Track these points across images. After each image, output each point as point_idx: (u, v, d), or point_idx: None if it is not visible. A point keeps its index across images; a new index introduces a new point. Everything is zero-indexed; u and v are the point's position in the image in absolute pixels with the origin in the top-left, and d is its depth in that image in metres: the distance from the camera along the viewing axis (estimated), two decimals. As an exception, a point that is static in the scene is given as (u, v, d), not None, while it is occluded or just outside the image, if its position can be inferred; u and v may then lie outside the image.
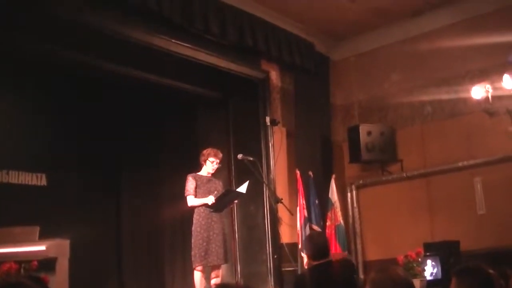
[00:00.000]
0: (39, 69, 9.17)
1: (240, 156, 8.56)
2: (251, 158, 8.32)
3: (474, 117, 10.32)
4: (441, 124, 10.80)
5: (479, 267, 3.99)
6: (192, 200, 7.90)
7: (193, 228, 7.86)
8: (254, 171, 8.03)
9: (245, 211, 10.20)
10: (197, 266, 7.79)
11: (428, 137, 10.93)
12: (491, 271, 4.89)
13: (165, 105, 10.88)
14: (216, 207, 7.85)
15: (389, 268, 3.66)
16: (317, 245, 6.39)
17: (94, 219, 10.68)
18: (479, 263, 4.14)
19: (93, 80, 9.79)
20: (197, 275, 7.82)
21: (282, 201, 8.22)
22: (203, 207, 7.85)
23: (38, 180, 10.35)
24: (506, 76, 9.67)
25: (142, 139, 11.26)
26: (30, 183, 10.24)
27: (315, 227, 10.26)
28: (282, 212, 9.46)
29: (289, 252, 8.46)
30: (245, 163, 8.39)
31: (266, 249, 9.80)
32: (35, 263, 5.63)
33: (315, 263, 6.36)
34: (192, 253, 7.80)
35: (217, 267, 7.90)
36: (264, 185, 8.38)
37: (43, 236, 7.38)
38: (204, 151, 8.20)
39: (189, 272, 9.51)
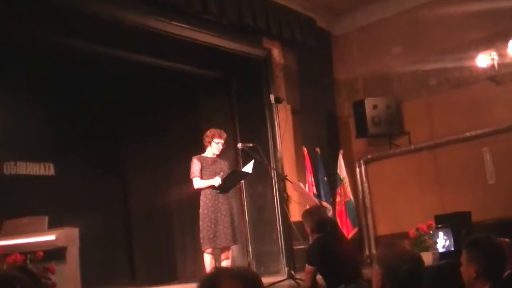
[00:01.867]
0: (40, 58, 9.11)
1: (239, 145, 8.52)
2: (251, 144, 8.26)
3: (480, 86, 10.23)
4: (446, 94, 10.71)
5: (489, 238, 3.94)
6: (198, 182, 7.85)
7: (200, 211, 7.82)
8: (256, 156, 7.97)
9: (254, 192, 10.20)
10: (206, 249, 7.75)
11: (434, 108, 10.85)
12: (506, 239, 4.86)
13: (168, 87, 10.85)
14: (222, 188, 7.79)
15: (396, 243, 3.61)
16: (318, 218, 6.55)
17: (102, 206, 10.72)
18: (489, 234, 4.09)
19: (93, 66, 9.73)
20: (207, 258, 7.79)
21: (287, 177, 8.15)
22: (210, 188, 7.80)
23: (46, 169, 10.37)
24: (511, 43, 9.56)
25: (147, 123, 11.26)
26: (38, 173, 10.26)
27: (325, 204, 10.23)
28: (291, 190, 9.43)
29: (299, 230, 8.40)
30: (250, 146, 8.32)
31: (277, 228, 9.80)
32: (41, 253, 5.60)
33: (319, 235, 6.44)
34: (201, 235, 7.76)
35: (226, 248, 7.86)
36: (268, 166, 8.31)
37: (52, 226, 7.37)
38: (208, 132, 8.12)
39: (199, 254, 9.49)
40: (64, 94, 10.08)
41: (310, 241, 6.66)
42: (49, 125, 9.94)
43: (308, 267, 6.34)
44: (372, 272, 3.46)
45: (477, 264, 3.76)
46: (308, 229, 6.64)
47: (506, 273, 4.40)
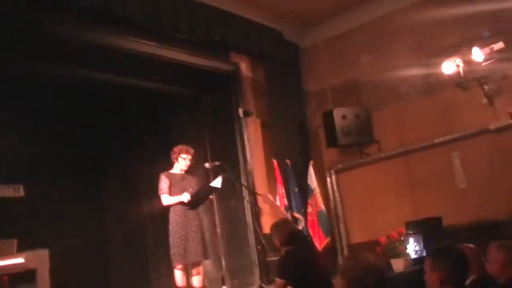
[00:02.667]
0: (9, 80, 9.04)
1: (207, 165, 8.57)
2: (218, 163, 8.30)
3: (448, 92, 10.32)
4: (415, 102, 10.78)
5: (452, 245, 3.99)
6: (167, 199, 7.85)
7: (170, 227, 7.83)
8: (224, 174, 7.98)
9: (226, 206, 10.18)
10: (177, 265, 7.74)
11: (403, 116, 10.92)
12: (471, 245, 4.92)
13: (139, 105, 10.81)
14: (192, 204, 7.80)
15: (360, 255, 3.65)
16: (287, 231, 6.60)
17: (75, 226, 10.63)
18: (453, 242, 4.14)
19: (66, 87, 9.68)
20: (178, 274, 7.79)
21: (257, 192, 8.18)
22: (179, 205, 7.79)
23: (16, 191, 10.26)
24: (475, 49, 9.68)
25: (119, 141, 11.22)
26: (7, 195, 10.15)
27: (297, 215, 10.26)
28: (263, 203, 9.46)
29: (269, 243, 8.43)
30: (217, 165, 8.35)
31: (249, 241, 9.79)
32: (6, 278, 5.55)
33: (289, 248, 6.49)
34: (171, 252, 7.76)
35: (197, 264, 7.86)
36: (237, 183, 8.34)
37: (22, 248, 7.31)
38: (175, 148, 8.14)
39: (173, 270, 9.51)
40: (35, 115, 10.01)
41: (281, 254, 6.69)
42: (19, 146, 9.85)
43: (278, 280, 6.40)
44: (336, 284, 3.49)
45: (440, 271, 3.80)
46: (277, 242, 6.66)
47: (470, 279, 4.46)
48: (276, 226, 6.85)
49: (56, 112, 10.24)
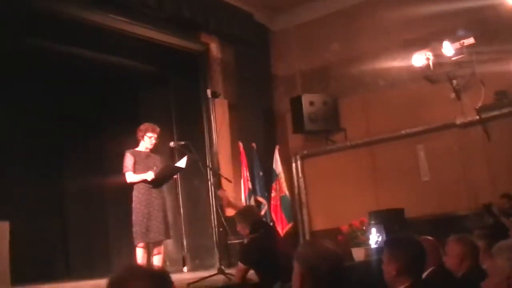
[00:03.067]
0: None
1: (172, 143, 8.50)
2: (183, 142, 8.24)
3: (416, 85, 10.38)
4: (383, 92, 10.83)
5: (409, 237, 3.99)
6: (131, 176, 7.77)
7: (133, 205, 7.74)
8: (188, 153, 7.93)
9: (189, 186, 10.18)
10: (138, 243, 7.69)
11: (371, 106, 10.97)
12: (429, 237, 4.94)
13: (106, 82, 10.71)
14: (155, 183, 7.73)
15: (317, 242, 3.62)
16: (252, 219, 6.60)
17: (36, 200, 10.52)
18: (411, 233, 4.14)
19: (30, 60, 9.53)
20: (139, 252, 7.72)
21: (220, 173, 8.14)
22: (142, 183, 7.74)
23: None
24: (446, 43, 9.72)
25: (85, 117, 11.09)
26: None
27: (260, 199, 10.26)
28: (227, 185, 9.43)
29: (231, 226, 8.41)
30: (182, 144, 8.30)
31: (212, 223, 9.78)
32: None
33: (253, 235, 6.49)
34: (133, 230, 7.68)
35: (158, 243, 7.81)
36: (200, 163, 8.29)
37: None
38: (141, 127, 8.04)
39: (134, 248, 9.46)
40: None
41: (245, 241, 6.69)
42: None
43: (240, 265, 6.42)
44: (293, 270, 3.46)
45: (397, 262, 3.79)
46: (241, 229, 6.65)
47: (428, 270, 4.48)
48: (241, 213, 6.83)
49: (21, 85, 10.08)
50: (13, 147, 10.22)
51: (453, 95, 10.03)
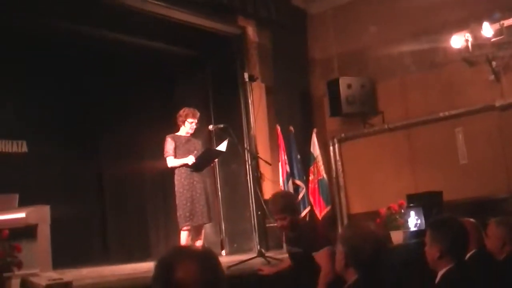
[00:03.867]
0: (14, 36, 8.98)
1: (210, 127, 8.58)
2: (222, 125, 8.28)
3: (454, 67, 10.27)
4: (421, 75, 10.75)
5: (453, 218, 3.98)
6: (172, 161, 7.84)
7: (175, 189, 7.83)
8: (228, 137, 7.96)
9: (227, 170, 10.23)
10: (183, 227, 7.78)
11: (409, 89, 10.89)
12: (471, 219, 4.92)
13: (143, 66, 10.76)
14: (196, 167, 7.80)
15: (360, 223, 3.66)
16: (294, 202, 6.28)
17: (75, 184, 10.67)
18: (453, 214, 4.13)
19: (69, 44, 9.63)
20: (184, 235, 7.82)
21: (258, 155, 8.14)
22: (184, 167, 7.81)
23: (19, 147, 10.27)
24: (485, 24, 9.60)
25: (121, 102, 11.17)
26: (10, 150, 10.17)
27: (298, 182, 10.27)
28: (265, 168, 9.47)
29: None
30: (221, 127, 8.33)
31: (250, 207, 9.82)
32: (6, 231, 5.55)
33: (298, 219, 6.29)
34: (178, 214, 7.78)
35: (201, 227, 7.90)
36: (239, 146, 8.32)
37: (24, 204, 7.30)
38: (181, 112, 8.10)
39: (172, 232, 9.54)
40: (38, 72, 9.96)
41: (281, 224, 6.02)
42: (22, 103, 9.85)
43: (324, 251, 5.50)
44: (336, 251, 3.50)
45: (441, 244, 3.79)
46: (278, 212, 5.78)
47: (470, 253, 4.47)
48: (283, 197, 6.10)
49: (59, 71, 10.20)
50: (51, 131, 10.35)
51: (492, 77, 9.92)
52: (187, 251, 2.30)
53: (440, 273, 3.84)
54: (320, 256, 5.33)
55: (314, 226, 6.75)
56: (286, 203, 5.72)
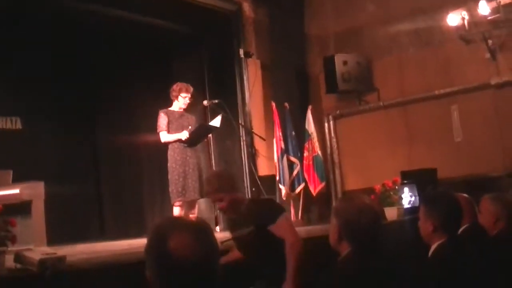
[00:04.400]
0: (9, 13, 8.92)
1: (205, 102, 8.56)
2: (216, 101, 8.27)
3: (451, 45, 10.24)
4: (417, 52, 10.73)
5: (446, 193, 4.00)
6: (165, 136, 7.84)
7: (168, 164, 7.83)
8: (222, 112, 7.95)
9: (222, 146, 10.24)
10: (175, 202, 7.78)
11: (405, 66, 10.88)
12: (465, 195, 4.94)
13: (138, 42, 10.72)
14: (190, 142, 7.80)
15: (355, 197, 3.65)
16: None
17: (70, 161, 10.66)
18: (448, 190, 4.15)
19: (63, 19, 9.57)
20: (176, 210, 7.82)
21: (253, 130, 8.12)
22: (177, 142, 7.80)
23: (13, 124, 10.26)
24: (482, 2, 9.56)
25: (116, 77, 11.15)
26: (5, 127, 10.16)
27: (293, 159, 10.28)
28: (259, 144, 9.46)
29: (268, 184, 8.47)
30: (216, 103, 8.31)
31: (244, 183, 9.82)
32: (0, 207, 5.53)
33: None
34: (170, 189, 7.78)
35: (193, 202, 7.90)
36: (234, 121, 8.31)
37: (18, 180, 7.30)
38: (175, 86, 8.08)
39: (167, 208, 9.54)
40: (31, 48, 9.92)
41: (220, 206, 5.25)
42: (15, 79, 9.81)
43: (281, 220, 5.09)
44: (330, 225, 3.50)
45: (434, 218, 3.81)
46: (214, 193, 5.00)
47: (462, 228, 4.49)
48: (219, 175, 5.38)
49: (54, 46, 10.15)
50: (45, 107, 10.33)
51: (488, 55, 9.89)
52: (181, 221, 2.30)
53: (433, 247, 3.87)
54: (279, 226, 4.73)
55: (263, 200, 6.23)
56: (223, 181, 4.97)
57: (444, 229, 3.82)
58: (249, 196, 9.45)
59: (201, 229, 2.22)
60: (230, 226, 5.31)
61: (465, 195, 4.95)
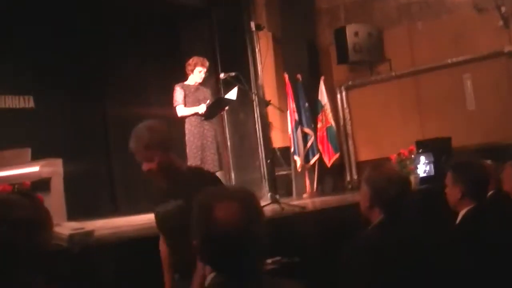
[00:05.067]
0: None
1: (222, 75, 8.48)
2: (233, 73, 8.21)
3: (463, 13, 10.22)
4: (428, 22, 10.68)
5: (473, 160, 4.02)
6: (182, 110, 7.84)
7: (186, 138, 7.83)
8: (239, 84, 7.93)
9: (235, 119, 10.26)
10: (194, 175, 7.78)
11: (416, 36, 10.84)
12: (489, 161, 4.95)
13: (149, 15, 10.67)
14: (207, 115, 7.81)
15: (384, 164, 3.67)
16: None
17: (83, 137, 10.65)
18: (474, 158, 4.17)
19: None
20: (195, 184, 7.82)
21: (271, 102, 8.11)
22: (194, 116, 7.81)
23: (26, 102, 10.26)
24: (494, -31, 9.52)
25: (127, 52, 11.09)
26: (17, 106, 10.16)
27: (307, 130, 10.31)
28: (273, 117, 9.47)
29: (282, 156, 8.49)
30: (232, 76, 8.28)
31: (259, 155, 9.85)
32: (28, 183, 5.55)
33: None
34: (188, 163, 7.79)
35: (213, 175, 7.92)
36: (251, 93, 8.31)
37: (35, 158, 7.32)
38: (190, 61, 8.07)
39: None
40: (42, 25, 9.88)
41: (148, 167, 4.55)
42: (27, 58, 9.80)
43: None
44: (360, 192, 3.52)
45: (463, 185, 3.83)
46: (142, 150, 3.87)
47: (489, 193, 4.51)
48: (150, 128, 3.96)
49: (61, 21, 10.11)
50: (56, 85, 10.31)
51: (501, 23, 9.85)
52: (226, 190, 2.32)
53: (461, 213, 3.89)
54: None
55: (206, 172, 4.75)
56: (155, 136, 3.83)
57: (472, 195, 3.84)
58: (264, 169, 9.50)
59: (246, 197, 2.24)
60: (157, 198, 4.02)
61: (489, 161, 4.97)
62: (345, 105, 11.58)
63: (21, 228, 2.08)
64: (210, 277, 2.21)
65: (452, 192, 3.90)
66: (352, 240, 3.35)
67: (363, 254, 3.29)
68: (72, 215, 7.58)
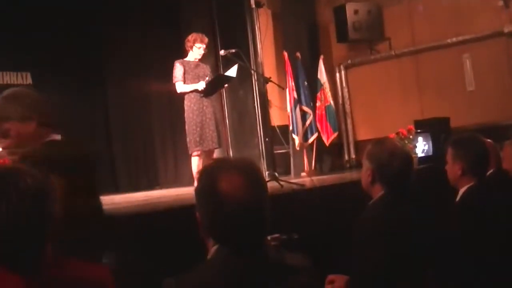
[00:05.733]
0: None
1: (222, 52, 8.43)
2: (233, 50, 8.16)
3: (463, -8, 10.16)
4: (429, 1, 10.62)
5: (474, 136, 4.01)
6: (181, 87, 7.82)
7: (185, 115, 7.83)
8: (239, 61, 7.90)
9: (234, 97, 10.23)
10: (193, 152, 7.81)
11: (416, 14, 10.78)
12: (489, 140, 4.95)
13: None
14: (206, 92, 7.80)
15: (386, 140, 3.67)
16: None
17: (81, 114, 10.62)
18: (475, 133, 4.16)
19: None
20: (195, 160, 7.85)
21: (271, 79, 8.08)
22: (193, 92, 7.80)
23: (24, 79, 10.23)
24: None
25: (125, 29, 11.04)
26: (15, 82, 10.12)
27: (305, 109, 10.30)
28: (272, 95, 9.45)
29: (281, 134, 8.48)
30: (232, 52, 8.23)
31: (258, 133, 9.86)
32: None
33: None
34: (188, 139, 7.80)
35: (211, 152, 7.93)
36: (251, 70, 8.28)
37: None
38: (189, 37, 8.05)
39: (180, 160, 9.60)
40: (40, 2, 9.82)
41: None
42: (24, 33, 9.75)
43: None
44: (362, 168, 3.52)
45: (463, 161, 3.83)
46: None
47: (489, 171, 4.50)
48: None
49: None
50: (55, 62, 10.26)
51: (501, 2, 9.81)
52: (230, 162, 2.31)
53: (461, 191, 3.89)
54: None
55: (73, 142, 3.59)
56: (13, 106, 3.25)
57: (472, 172, 3.84)
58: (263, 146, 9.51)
59: (250, 169, 2.23)
60: None
61: (489, 140, 4.95)
62: (344, 84, 11.56)
63: (30, 196, 2.06)
64: (213, 249, 2.20)
65: (452, 169, 3.90)
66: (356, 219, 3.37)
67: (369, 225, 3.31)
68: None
